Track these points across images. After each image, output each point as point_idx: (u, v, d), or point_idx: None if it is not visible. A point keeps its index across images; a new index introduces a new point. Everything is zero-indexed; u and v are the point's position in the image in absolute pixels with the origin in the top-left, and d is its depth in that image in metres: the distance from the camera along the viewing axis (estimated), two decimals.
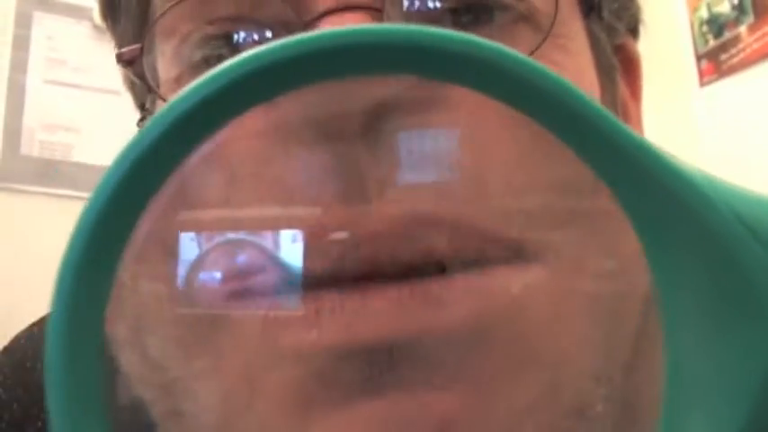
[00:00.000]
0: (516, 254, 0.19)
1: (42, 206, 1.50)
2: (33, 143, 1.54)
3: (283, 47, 0.11)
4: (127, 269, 0.13)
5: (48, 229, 1.45)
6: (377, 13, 0.21)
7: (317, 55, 0.11)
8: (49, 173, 1.53)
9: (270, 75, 0.12)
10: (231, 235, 0.20)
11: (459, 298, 0.19)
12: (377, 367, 0.19)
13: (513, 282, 0.19)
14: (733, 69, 1.58)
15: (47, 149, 1.54)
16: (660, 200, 0.11)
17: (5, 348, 0.40)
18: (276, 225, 0.20)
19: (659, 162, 0.11)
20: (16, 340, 0.40)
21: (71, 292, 0.12)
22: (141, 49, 0.25)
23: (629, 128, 0.11)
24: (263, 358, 0.20)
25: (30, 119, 1.54)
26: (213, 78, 0.12)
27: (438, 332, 0.19)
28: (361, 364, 0.19)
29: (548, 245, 0.20)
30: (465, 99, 0.17)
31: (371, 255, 0.19)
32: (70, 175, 1.54)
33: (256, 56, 0.12)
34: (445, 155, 0.20)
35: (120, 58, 0.26)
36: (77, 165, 1.55)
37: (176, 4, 0.24)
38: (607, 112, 0.11)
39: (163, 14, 0.24)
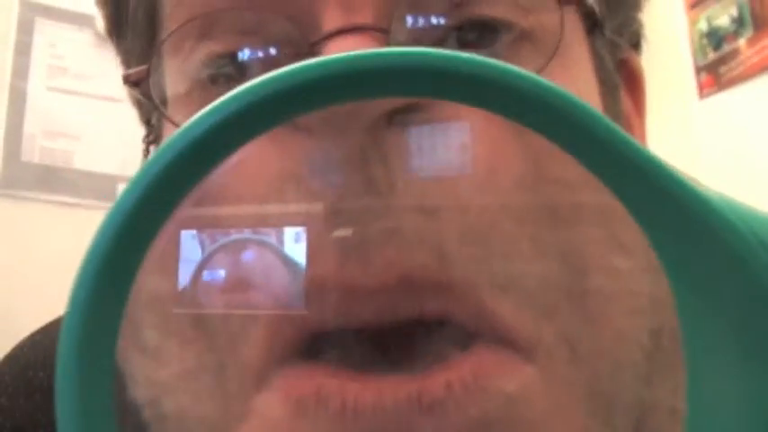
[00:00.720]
0: (514, 340, 0.19)
1: (43, 213, 1.50)
2: (34, 150, 1.54)
3: (294, 72, 0.12)
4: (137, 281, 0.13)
5: (48, 235, 1.46)
6: (383, 34, 0.21)
7: (328, 80, 0.11)
8: (50, 179, 1.53)
9: (285, 98, 0.12)
10: (224, 239, 0.21)
11: (459, 402, 0.19)
12: None
13: (511, 381, 0.19)
14: (732, 82, 1.59)
15: (48, 156, 1.54)
16: (682, 225, 0.11)
17: (8, 356, 0.40)
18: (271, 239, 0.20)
19: (682, 186, 0.11)
20: (19, 348, 0.40)
21: (84, 320, 0.12)
22: (148, 70, 0.25)
23: (652, 152, 0.11)
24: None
25: (31, 125, 1.54)
26: (227, 103, 0.12)
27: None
28: None
29: (547, 335, 0.20)
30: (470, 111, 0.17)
31: (363, 310, 0.19)
32: (71, 181, 1.54)
33: (271, 80, 0.12)
34: (454, 171, 0.20)
35: (127, 80, 0.26)
36: (78, 172, 1.55)
37: (184, 24, 0.24)
38: (629, 137, 0.11)
39: (170, 35, 0.24)
